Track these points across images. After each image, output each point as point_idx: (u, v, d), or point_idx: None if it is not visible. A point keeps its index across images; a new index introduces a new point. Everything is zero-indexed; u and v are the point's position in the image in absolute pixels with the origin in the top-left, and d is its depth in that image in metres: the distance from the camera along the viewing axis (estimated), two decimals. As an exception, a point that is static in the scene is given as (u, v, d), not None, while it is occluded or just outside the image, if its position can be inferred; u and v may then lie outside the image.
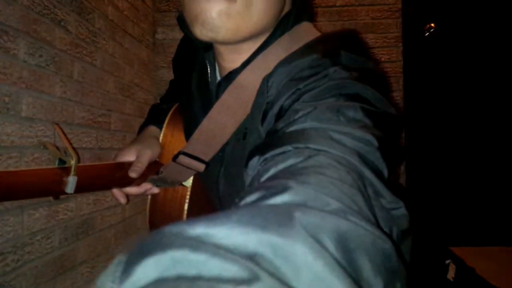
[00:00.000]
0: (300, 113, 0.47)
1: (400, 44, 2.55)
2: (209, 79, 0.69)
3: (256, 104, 0.58)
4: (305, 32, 0.61)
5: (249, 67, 0.59)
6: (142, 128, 0.97)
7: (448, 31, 2.58)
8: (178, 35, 2.67)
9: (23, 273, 1.24)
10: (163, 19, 2.63)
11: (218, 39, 0.58)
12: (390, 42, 2.55)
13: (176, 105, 1.00)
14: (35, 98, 1.30)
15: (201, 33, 0.58)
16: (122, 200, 0.81)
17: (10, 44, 1.19)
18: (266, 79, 0.56)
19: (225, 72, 0.65)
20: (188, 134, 0.78)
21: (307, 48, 0.57)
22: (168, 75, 2.63)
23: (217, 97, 0.65)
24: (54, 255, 1.40)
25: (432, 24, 2.57)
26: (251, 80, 0.59)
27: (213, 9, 0.55)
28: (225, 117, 0.60)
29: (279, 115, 0.53)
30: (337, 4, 2.56)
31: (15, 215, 1.20)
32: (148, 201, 0.90)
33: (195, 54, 0.74)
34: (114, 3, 1.96)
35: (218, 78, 0.69)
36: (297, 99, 0.51)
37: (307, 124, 0.45)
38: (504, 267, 2.06)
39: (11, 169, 1.17)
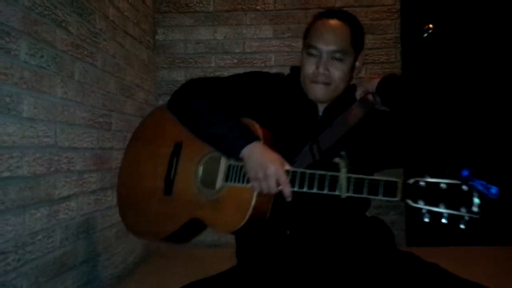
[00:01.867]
0: None
1: (399, 45, 2.57)
2: (316, 112, 1.17)
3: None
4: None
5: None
6: (242, 143, 1.04)
7: (446, 32, 2.59)
8: (178, 36, 2.69)
9: (24, 272, 1.24)
10: (164, 20, 2.64)
11: (323, 102, 1.15)
12: (389, 43, 2.57)
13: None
14: (36, 98, 1.32)
15: (315, 100, 1.13)
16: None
17: (12, 45, 1.20)
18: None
19: (320, 110, 1.17)
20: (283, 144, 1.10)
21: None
22: (168, 75, 2.65)
23: (323, 121, 1.14)
24: (55, 254, 1.41)
25: (431, 25, 2.58)
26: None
27: (320, 92, 1.11)
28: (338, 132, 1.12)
29: None
30: (336, 5, 2.58)
31: (17, 215, 1.21)
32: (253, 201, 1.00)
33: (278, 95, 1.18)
34: (115, 4, 1.97)
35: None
36: None
37: None
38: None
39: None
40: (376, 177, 0.92)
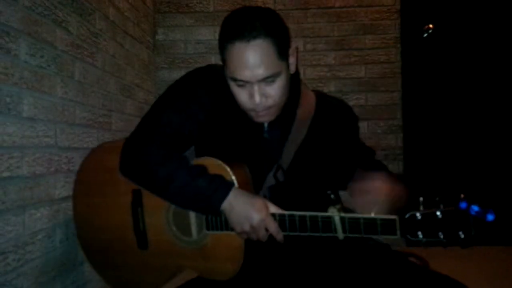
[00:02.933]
0: None
1: (399, 45, 2.57)
2: (264, 126, 1.06)
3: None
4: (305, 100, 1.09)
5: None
6: (220, 195, 0.95)
7: (446, 32, 2.59)
8: (178, 36, 2.69)
9: (24, 272, 1.24)
10: (164, 20, 2.64)
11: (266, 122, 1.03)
12: (389, 43, 2.56)
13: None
14: (36, 98, 1.32)
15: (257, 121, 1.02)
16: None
17: (12, 44, 1.20)
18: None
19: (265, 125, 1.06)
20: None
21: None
22: (168, 75, 2.64)
23: (271, 137, 1.05)
24: (55, 254, 1.41)
25: (431, 25, 2.58)
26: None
27: (265, 118, 1.00)
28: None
29: None
30: (336, 5, 2.58)
31: (17, 215, 1.21)
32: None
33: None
34: (115, 4, 1.97)
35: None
36: None
37: None
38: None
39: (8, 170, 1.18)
40: (371, 216, 0.86)
